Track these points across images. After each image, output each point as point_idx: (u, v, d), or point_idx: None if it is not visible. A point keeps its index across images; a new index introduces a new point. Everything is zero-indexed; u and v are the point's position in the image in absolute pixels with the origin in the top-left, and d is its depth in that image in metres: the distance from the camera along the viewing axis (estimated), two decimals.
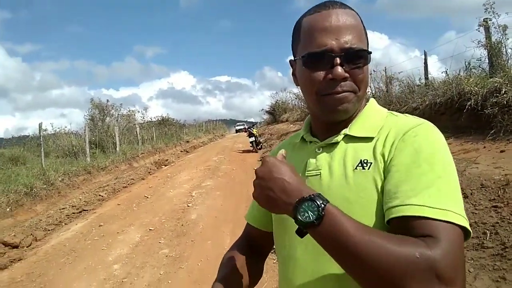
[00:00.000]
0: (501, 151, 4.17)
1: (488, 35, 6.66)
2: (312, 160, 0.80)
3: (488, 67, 6.60)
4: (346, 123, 0.80)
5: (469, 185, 3.57)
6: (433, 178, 0.63)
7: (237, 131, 46.34)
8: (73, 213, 6.88)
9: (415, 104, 7.71)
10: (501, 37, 6.31)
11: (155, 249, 4.40)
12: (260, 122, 46.30)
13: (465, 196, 3.32)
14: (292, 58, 0.84)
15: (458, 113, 5.71)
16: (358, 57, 0.73)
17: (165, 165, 13.21)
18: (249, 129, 15.67)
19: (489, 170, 3.77)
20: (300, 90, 0.88)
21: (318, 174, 0.78)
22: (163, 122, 25.84)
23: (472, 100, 5.31)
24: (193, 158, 15.19)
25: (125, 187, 9.34)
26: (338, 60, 0.71)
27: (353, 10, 0.78)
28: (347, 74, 0.72)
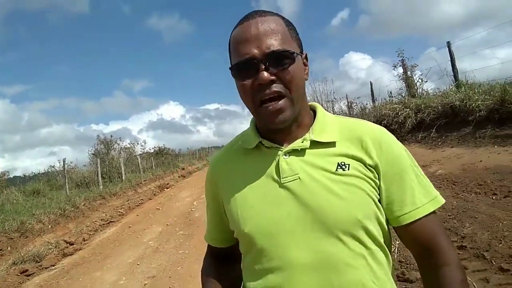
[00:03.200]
0: None
1: (405, 71, 9.19)
2: (285, 166, 0.80)
3: (406, 95, 9.08)
4: (299, 125, 0.84)
5: None
6: (417, 178, 0.81)
7: None
8: (104, 224, 9.00)
9: None
10: (411, 74, 8.84)
11: (173, 232, 6.60)
12: None
13: None
14: None
15: None
16: (282, 58, 0.75)
17: (167, 188, 15.37)
18: None
19: None
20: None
21: (297, 179, 0.79)
22: (160, 152, 28.11)
23: (386, 120, 7.72)
24: (190, 181, 17.35)
25: (138, 205, 11.47)
26: (262, 65, 0.74)
27: (275, 15, 0.80)
28: (273, 77, 0.74)
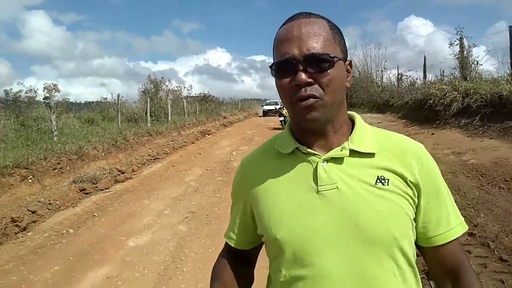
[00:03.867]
0: (432, 134, 6.64)
1: (461, 50, 8.89)
2: (323, 174, 0.79)
3: (459, 76, 8.84)
4: (336, 132, 0.82)
5: None
6: (449, 198, 0.82)
7: (265, 112, 33.72)
8: (150, 159, 9.87)
9: (406, 99, 10.06)
10: (467, 54, 8.54)
11: (213, 176, 7.27)
12: None
13: None
14: None
15: (423, 109, 8.11)
16: (321, 61, 0.75)
17: (209, 134, 16.16)
18: (279, 110, 18.20)
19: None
20: None
21: (335, 188, 0.77)
22: (204, 99, 28.88)
23: (432, 100, 7.69)
24: (231, 131, 18.05)
25: (181, 147, 12.29)
26: (300, 66, 0.74)
27: (321, 18, 0.80)
28: (310, 79, 0.74)
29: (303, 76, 0.74)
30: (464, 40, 8.63)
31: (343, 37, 0.83)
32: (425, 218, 0.80)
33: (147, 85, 22.67)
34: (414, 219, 0.79)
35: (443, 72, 9.04)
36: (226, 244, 0.99)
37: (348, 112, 0.89)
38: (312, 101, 0.75)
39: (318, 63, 0.75)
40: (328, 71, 0.75)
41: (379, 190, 0.76)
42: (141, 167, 8.82)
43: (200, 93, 29.41)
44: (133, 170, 8.40)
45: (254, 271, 0.99)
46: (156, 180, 7.25)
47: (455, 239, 0.80)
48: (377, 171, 0.78)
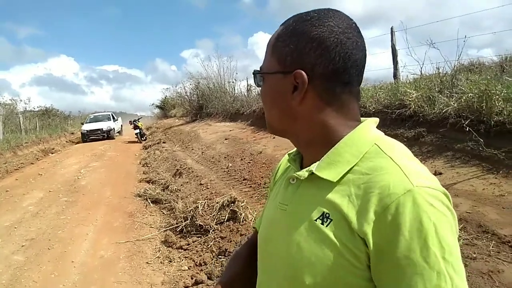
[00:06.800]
0: (273, 138, 7.51)
1: None
2: (284, 191, 0.75)
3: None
4: (321, 145, 0.69)
5: None
6: (430, 277, 0.53)
7: (85, 135, 19.18)
8: None
9: (253, 107, 11.01)
10: None
11: (56, 198, 6.65)
12: (151, 116, 43.83)
13: None
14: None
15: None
16: (255, 78, 0.76)
17: (52, 153, 14.53)
18: (134, 122, 17.59)
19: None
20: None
21: (284, 209, 0.72)
22: (46, 113, 25.79)
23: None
24: (80, 148, 16.56)
25: (17, 169, 10.74)
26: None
27: (281, 26, 0.73)
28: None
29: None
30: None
31: (291, 44, 0.68)
32: (379, 284, 0.59)
33: None
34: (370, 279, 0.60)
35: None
36: (255, 232, 0.99)
37: (365, 121, 0.72)
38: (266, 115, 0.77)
39: (256, 80, 0.76)
40: (262, 88, 0.75)
41: (315, 228, 0.64)
42: None
43: (41, 107, 26.06)
44: None
45: None
46: None
47: None
48: (327, 205, 0.64)
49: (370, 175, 0.61)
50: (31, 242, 4.55)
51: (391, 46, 7.25)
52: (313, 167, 0.67)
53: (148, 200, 6.07)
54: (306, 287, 0.63)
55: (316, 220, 0.64)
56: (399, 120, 5.19)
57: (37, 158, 12.91)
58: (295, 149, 0.80)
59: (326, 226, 0.62)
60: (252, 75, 0.76)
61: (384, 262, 0.56)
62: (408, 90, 5.25)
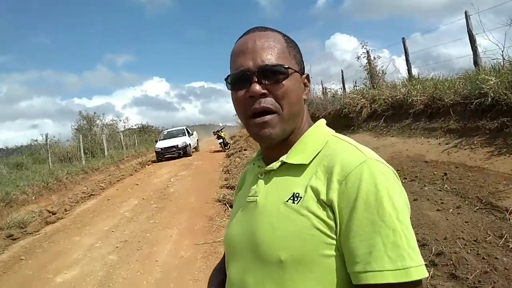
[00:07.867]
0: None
1: (369, 62, 9.87)
2: (253, 186, 0.81)
3: (368, 85, 9.80)
4: (287, 145, 0.79)
5: None
6: (387, 234, 0.60)
7: (160, 154, 17.11)
8: (85, 196, 9.62)
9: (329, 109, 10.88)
10: (372, 65, 9.53)
11: (148, 205, 7.31)
12: (236, 125, 45.57)
13: None
14: None
15: (341, 117, 8.86)
16: (275, 72, 0.74)
17: (148, 165, 15.99)
18: (217, 132, 18.46)
19: None
20: None
21: (254, 201, 0.78)
22: (143, 129, 28.52)
23: (347, 109, 8.44)
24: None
25: (118, 180, 12.08)
26: (254, 78, 0.73)
27: (276, 32, 0.80)
28: (265, 91, 0.73)
29: (257, 87, 0.73)
30: (370, 52, 9.64)
31: (299, 51, 0.83)
32: (343, 247, 0.65)
33: (79, 122, 22.00)
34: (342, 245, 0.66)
35: (356, 82, 9.98)
36: None
37: (319, 121, 0.85)
38: (268, 118, 0.74)
39: (272, 75, 0.74)
40: (283, 82, 0.74)
41: (287, 208, 0.70)
42: (74, 206, 8.59)
43: (138, 125, 28.93)
44: (65, 210, 8.16)
45: None
46: (89, 216, 7.14)
47: (382, 285, 0.59)
48: (296, 187, 0.72)
49: (332, 155, 0.72)
50: (124, 244, 5.07)
51: (468, 32, 6.54)
52: (283, 158, 0.77)
53: (227, 204, 6.34)
54: (281, 263, 0.68)
55: (287, 201, 0.72)
56: (479, 111, 4.65)
57: (135, 170, 14.34)
58: (254, 156, 0.91)
59: (297, 203, 0.70)
60: (265, 69, 0.74)
61: (347, 224, 0.64)
62: (486, 77, 4.69)
